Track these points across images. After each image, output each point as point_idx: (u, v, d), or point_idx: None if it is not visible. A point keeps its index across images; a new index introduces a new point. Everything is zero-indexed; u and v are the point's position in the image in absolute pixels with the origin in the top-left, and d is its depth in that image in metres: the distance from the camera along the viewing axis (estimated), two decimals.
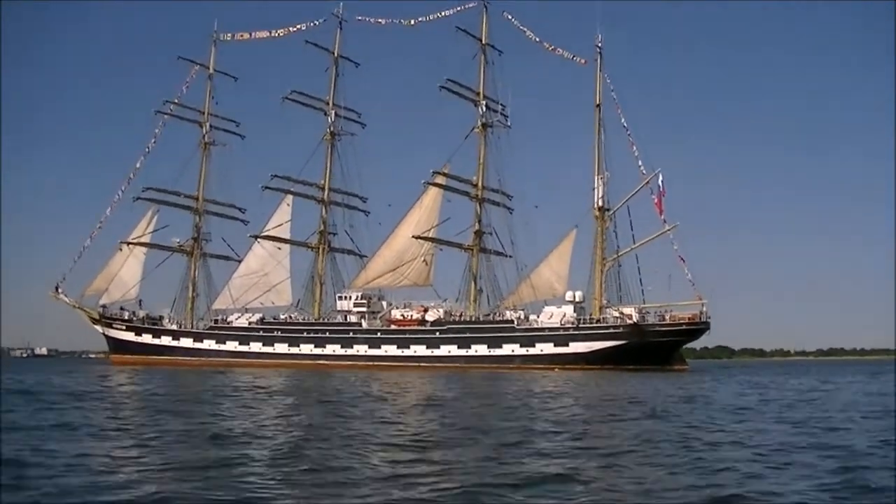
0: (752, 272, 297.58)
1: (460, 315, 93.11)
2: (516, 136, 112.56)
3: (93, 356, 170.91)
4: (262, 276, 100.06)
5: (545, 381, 52.18)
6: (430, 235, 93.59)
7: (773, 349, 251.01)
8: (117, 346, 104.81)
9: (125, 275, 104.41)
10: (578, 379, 58.57)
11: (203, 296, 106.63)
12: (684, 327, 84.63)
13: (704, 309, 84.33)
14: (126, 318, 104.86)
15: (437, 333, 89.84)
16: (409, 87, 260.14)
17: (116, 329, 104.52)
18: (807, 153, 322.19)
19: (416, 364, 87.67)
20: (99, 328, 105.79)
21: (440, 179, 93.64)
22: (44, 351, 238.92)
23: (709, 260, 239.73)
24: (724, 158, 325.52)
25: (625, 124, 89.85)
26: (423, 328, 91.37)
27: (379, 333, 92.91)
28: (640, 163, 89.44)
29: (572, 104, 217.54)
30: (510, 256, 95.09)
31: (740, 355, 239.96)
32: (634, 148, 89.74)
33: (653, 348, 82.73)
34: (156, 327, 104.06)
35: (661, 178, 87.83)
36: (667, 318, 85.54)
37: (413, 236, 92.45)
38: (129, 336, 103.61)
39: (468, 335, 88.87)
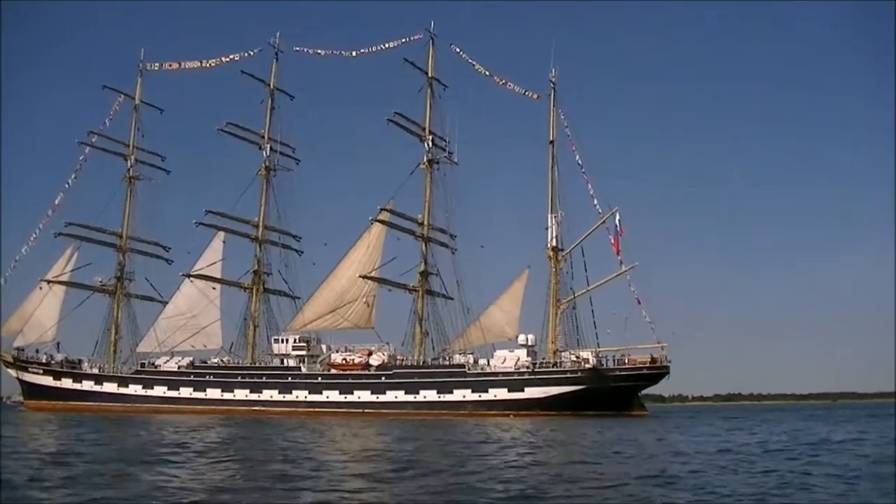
0: (711, 312, 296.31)
1: (404, 359, 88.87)
2: (464, 172, 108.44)
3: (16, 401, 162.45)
4: (191, 318, 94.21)
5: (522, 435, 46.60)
6: (375, 275, 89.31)
7: (728, 393, 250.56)
8: (33, 391, 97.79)
9: (42, 315, 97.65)
10: (543, 426, 54.62)
11: (127, 338, 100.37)
12: (644, 371, 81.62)
13: (664, 352, 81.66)
14: (43, 360, 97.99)
15: (383, 378, 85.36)
16: (347, 121, 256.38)
17: (32, 373, 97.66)
18: (771, 184, 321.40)
19: (360, 410, 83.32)
20: (13, 372, 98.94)
21: (385, 216, 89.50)
22: None
23: (668, 300, 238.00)
24: (685, 193, 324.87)
25: (579, 161, 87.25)
26: (367, 373, 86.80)
27: (320, 378, 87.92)
28: (595, 201, 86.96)
29: (525, 140, 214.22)
30: (451, 298, 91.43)
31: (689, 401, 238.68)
32: (590, 186, 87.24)
33: (612, 393, 79.77)
34: (76, 371, 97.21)
35: (618, 216, 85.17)
36: (626, 361, 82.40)
37: (360, 276, 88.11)
38: (47, 381, 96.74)
39: (416, 380, 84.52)
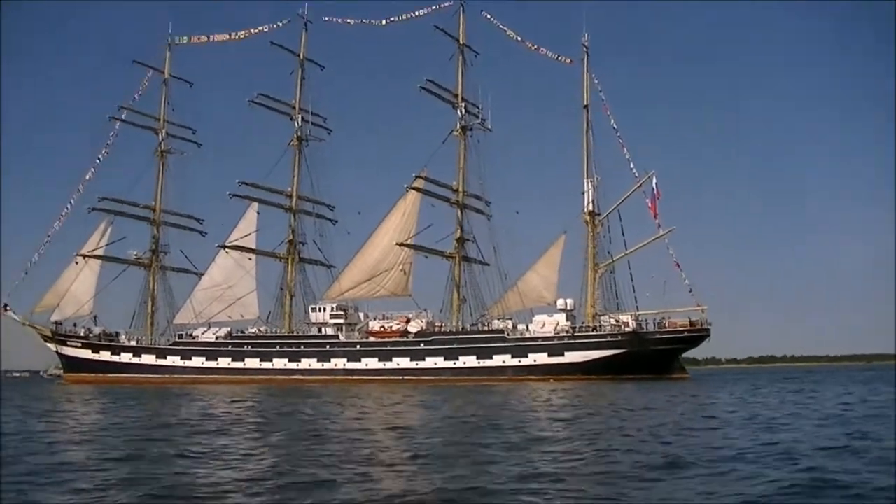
0: (747, 279, 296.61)
1: (442, 325, 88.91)
2: (498, 139, 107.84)
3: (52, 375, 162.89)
4: (227, 289, 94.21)
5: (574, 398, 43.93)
6: (411, 243, 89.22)
7: (759, 356, 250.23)
8: (72, 364, 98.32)
9: (78, 290, 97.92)
10: (594, 390, 53.68)
11: (163, 310, 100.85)
12: (685, 335, 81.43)
13: (704, 315, 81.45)
14: (82, 334, 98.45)
15: (422, 345, 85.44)
16: (378, 90, 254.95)
17: (71, 346, 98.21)
18: (805, 153, 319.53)
19: (400, 377, 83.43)
20: (52, 346, 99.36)
21: (419, 184, 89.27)
22: None
23: (704, 265, 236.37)
24: (718, 161, 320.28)
25: (614, 126, 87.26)
26: (406, 340, 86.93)
27: (359, 346, 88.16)
28: (631, 165, 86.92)
29: (558, 106, 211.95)
30: (488, 265, 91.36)
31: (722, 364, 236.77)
32: (625, 150, 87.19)
33: (652, 357, 79.55)
34: (114, 344, 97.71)
35: (654, 180, 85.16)
36: (666, 325, 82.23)
37: (397, 244, 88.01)
38: (86, 354, 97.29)
39: (455, 346, 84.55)
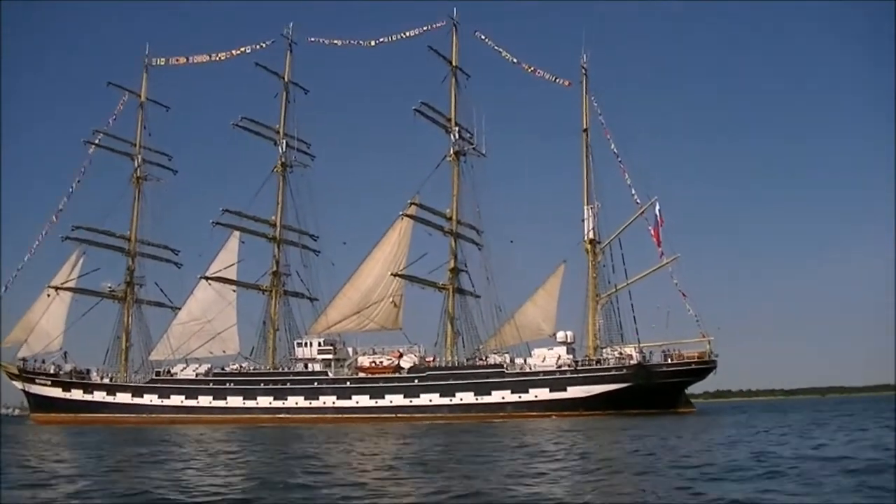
0: (752, 307, 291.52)
1: (434, 360, 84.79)
2: (493, 164, 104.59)
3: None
4: (206, 323, 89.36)
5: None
6: (406, 273, 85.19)
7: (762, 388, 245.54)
8: (41, 403, 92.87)
9: (47, 324, 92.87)
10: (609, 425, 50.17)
11: (138, 346, 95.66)
12: (693, 367, 78.00)
13: (709, 347, 78.09)
14: (51, 371, 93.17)
15: (416, 381, 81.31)
16: (363, 114, 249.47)
17: (40, 384, 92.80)
18: (815, 175, 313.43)
19: (393, 415, 79.32)
20: (18, 384, 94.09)
21: (413, 210, 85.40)
22: None
23: (710, 292, 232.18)
24: (722, 187, 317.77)
25: (615, 150, 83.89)
26: (399, 376, 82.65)
27: (349, 383, 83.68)
28: (633, 191, 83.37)
29: (556, 130, 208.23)
30: (479, 297, 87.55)
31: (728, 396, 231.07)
32: (626, 175, 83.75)
33: (659, 390, 76.11)
34: (86, 382, 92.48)
35: (657, 206, 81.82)
36: (673, 357, 78.71)
37: (392, 273, 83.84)
38: (56, 392, 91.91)
39: (452, 382, 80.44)
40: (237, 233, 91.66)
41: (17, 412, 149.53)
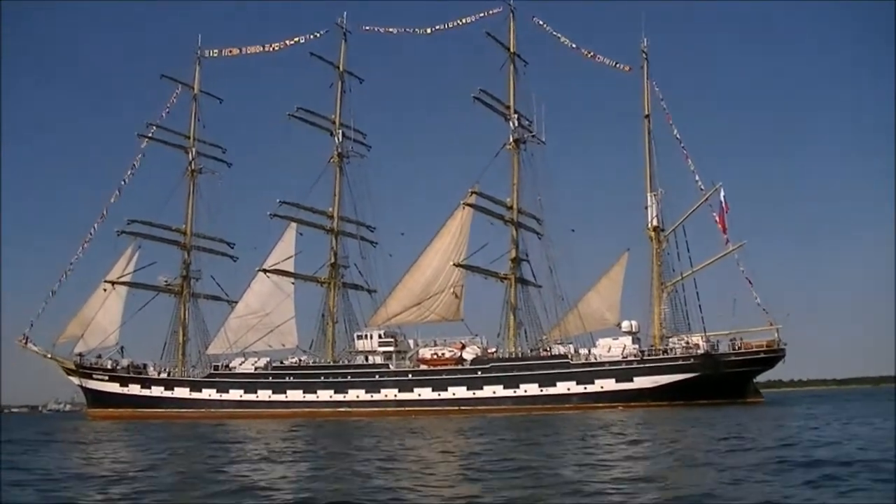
0: (820, 294, 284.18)
1: (496, 351, 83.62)
2: (552, 152, 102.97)
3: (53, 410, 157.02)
4: (264, 316, 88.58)
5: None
6: (468, 263, 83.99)
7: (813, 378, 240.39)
8: (98, 398, 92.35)
9: (103, 319, 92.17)
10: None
11: (195, 340, 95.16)
12: (762, 355, 76.43)
13: (777, 335, 76.57)
14: (108, 366, 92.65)
15: (479, 373, 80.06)
16: (418, 102, 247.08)
17: (97, 380, 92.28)
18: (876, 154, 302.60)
19: (456, 408, 78.20)
20: (75, 379, 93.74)
21: (473, 199, 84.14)
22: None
23: (776, 279, 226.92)
24: (785, 171, 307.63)
25: (678, 136, 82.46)
26: (461, 367, 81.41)
27: (410, 375, 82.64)
28: (696, 177, 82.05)
29: (616, 116, 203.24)
30: (540, 287, 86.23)
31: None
32: (689, 161, 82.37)
33: (727, 380, 74.71)
34: (144, 377, 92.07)
35: (722, 192, 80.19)
36: (740, 346, 77.13)
37: (454, 264, 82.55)
38: (113, 387, 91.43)
39: (516, 373, 79.08)
40: (294, 225, 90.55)
41: (68, 407, 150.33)
